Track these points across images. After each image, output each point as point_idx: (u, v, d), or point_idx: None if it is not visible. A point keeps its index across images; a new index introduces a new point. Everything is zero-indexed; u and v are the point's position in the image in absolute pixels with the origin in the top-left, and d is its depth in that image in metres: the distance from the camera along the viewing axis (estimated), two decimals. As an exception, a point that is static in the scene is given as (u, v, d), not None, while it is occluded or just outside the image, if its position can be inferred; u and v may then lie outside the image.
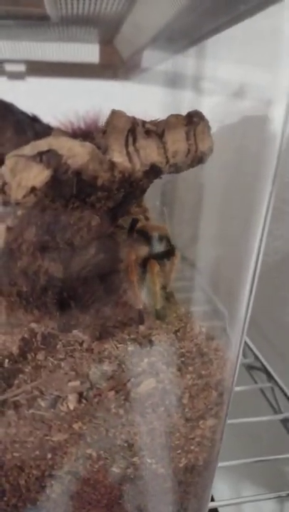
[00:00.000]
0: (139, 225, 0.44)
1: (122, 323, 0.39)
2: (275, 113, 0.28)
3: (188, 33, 0.54)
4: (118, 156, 0.31)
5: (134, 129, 0.31)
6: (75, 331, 0.38)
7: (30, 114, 0.62)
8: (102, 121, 0.66)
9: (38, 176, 0.27)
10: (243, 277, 0.28)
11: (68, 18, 0.52)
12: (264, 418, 0.54)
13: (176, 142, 0.31)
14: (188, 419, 0.29)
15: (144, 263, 0.40)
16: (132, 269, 0.36)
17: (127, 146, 0.31)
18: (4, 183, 0.27)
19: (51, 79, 0.66)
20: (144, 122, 0.32)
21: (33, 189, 0.27)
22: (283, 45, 0.25)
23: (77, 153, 0.27)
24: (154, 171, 0.32)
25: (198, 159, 0.32)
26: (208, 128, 0.32)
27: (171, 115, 0.33)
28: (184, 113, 0.54)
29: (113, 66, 0.69)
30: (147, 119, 0.34)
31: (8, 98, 0.54)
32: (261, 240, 0.28)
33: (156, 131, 0.32)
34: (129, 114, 0.37)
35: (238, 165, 0.38)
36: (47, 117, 0.62)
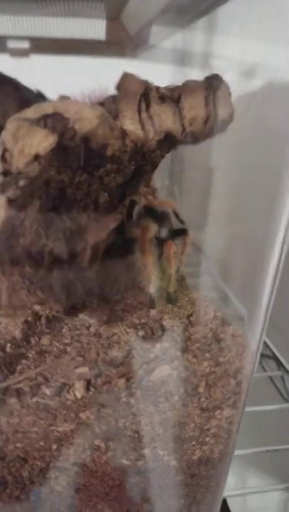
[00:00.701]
0: (145, 202, 0.41)
1: (132, 307, 0.37)
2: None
3: (196, 3, 0.51)
4: (130, 123, 0.28)
5: (148, 94, 0.29)
6: (81, 315, 0.36)
7: (34, 90, 0.59)
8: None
9: (42, 141, 0.24)
10: (266, 268, 0.26)
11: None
12: (273, 407, 0.52)
13: (194, 108, 0.28)
14: (203, 409, 0.27)
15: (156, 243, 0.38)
16: (147, 249, 0.33)
17: (139, 112, 0.28)
18: (5, 150, 0.24)
19: (56, 56, 0.63)
20: (158, 87, 0.29)
21: (36, 157, 0.24)
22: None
23: (85, 117, 0.24)
24: (168, 141, 0.29)
25: (217, 128, 0.29)
26: (229, 93, 0.29)
27: (188, 80, 0.30)
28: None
29: (120, 43, 0.66)
30: None
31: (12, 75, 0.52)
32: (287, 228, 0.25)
33: (172, 96, 0.29)
34: None
35: (259, 141, 0.36)
36: (52, 95, 0.59)
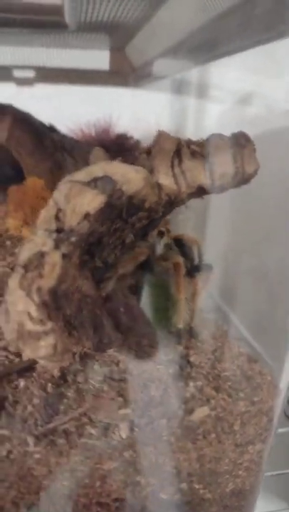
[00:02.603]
0: (173, 235, 0.44)
1: (156, 342, 0.39)
2: None
3: (210, 47, 0.54)
4: (164, 178, 0.30)
5: (180, 150, 0.31)
6: (110, 351, 0.37)
7: (47, 124, 0.61)
8: (113, 129, 0.66)
9: (92, 201, 0.26)
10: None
11: (85, 26, 0.51)
12: (281, 430, 0.54)
13: (224, 164, 0.30)
14: (237, 445, 0.29)
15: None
16: (181, 285, 0.36)
17: (173, 167, 0.31)
18: (59, 210, 0.26)
19: (61, 85, 0.65)
20: (189, 143, 0.32)
21: (86, 215, 0.26)
22: None
23: (131, 179, 0.26)
24: (199, 193, 0.32)
25: (243, 181, 0.32)
26: (254, 150, 0.31)
27: (215, 135, 0.33)
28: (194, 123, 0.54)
29: (123, 73, 0.69)
30: (157, 127, 0.33)
31: (18, 104, 0.54)
32: None
33: (202, 152, 0.31)
34: (138, 120, 0.36)
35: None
36: (58, 124, 0.61)
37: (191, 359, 0.35)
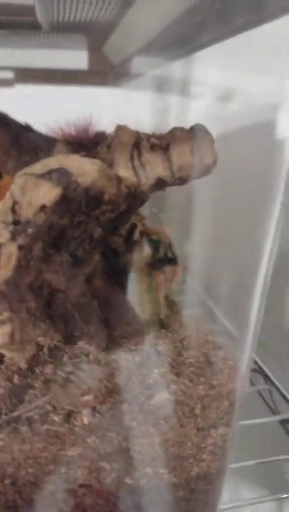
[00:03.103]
0: (142, 228, 0.44)
1: (128, 333, 0.39)
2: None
3: (183, 42, 0.55)
4: (124, 171, 0.31)
5: (139, 143, 0.32)
6: (80, 343, 0.38)
7: (23, 124, 0.61)
8: (93, 128, 0.67)
9: (47, 194, 0.27)
10: (253, 286, 0.29)
11: (59, 26, 0.52)
12: (262, 420, 0.55)
13: (182, 156, 0.31)
14: (200, 429, 0.30)
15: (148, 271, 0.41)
16: (142, 277, 0.36)
17: (132, 160, 0.32)
18: (15, 202, 0.27)
19: (41, 86, 0.66)
20: (148, 136, 0.33)
21: (42, 207, 0.27)
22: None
23: (87, 171, 0.27)
24: (159, 185, 0.33)
25: (202, 172, 0.32)
26: (212, 141, 0.32)
27: (175, 128, 0.33)
28: (175, 119, 0.55)
29: (102, 72, 0.69)
30: (138, 126, 0.34)
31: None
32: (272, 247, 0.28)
33: (161, 145, 0.32)
34: (119, 120, 0.37)
35: (244, 169, 0.39)
36: (38, 124, 0.62)
37: (160, 348, 0.36)
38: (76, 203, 0.29)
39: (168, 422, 0.29)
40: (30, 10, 0.41)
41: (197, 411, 0.29)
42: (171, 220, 0.57)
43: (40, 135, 0.59)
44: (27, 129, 0.59)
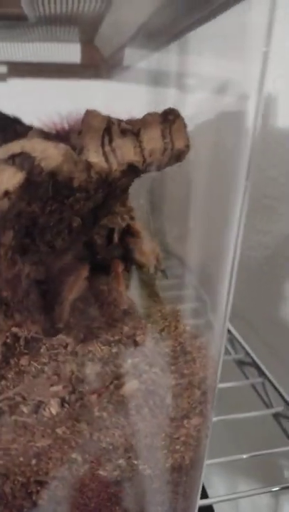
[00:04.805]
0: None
1: (107, 324, 0.39)
2: (249, 107, 0.28)
3: (167, 29, 0.54)
4: (94, 156, 0.31)
5: (110, 128, 0.31)
6: (59, 335, 0.37)
7: (11, 116, 0.61)
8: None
9: (10, 179, 0.26)
10: (223, 272, 0.28)
11: (46, 18, 0.51)
12: (256, 413, 0.54)
13: (152, 141, 0.31)
14: (172, 419, 0.29)
15: None
16: (120, 279, 0.36)
17: (103, 145, 0.31)
18: (-24, 188, 0.26)
19: (33, 80, 0.65)
20: (119, 121, 0.32)
21: (6, 193, 0.26)
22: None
23: (50, 155, 0.26)
24: (131, 171, 0.32)
25: (175, 157, 0.32)
26: (184, 125, 0.31)
27: (148, 113, 0.33)
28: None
29: (95, 65, 0.68)
30: (128, 117, 0.33)
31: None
32: (238, 234, 0.27)
33: (132, 130, 0.31)
34: (113, 113, 0.37)
35: (216, 161, 0.38)
36: (29, 118, 0.61)
37: (137, 339, 0.35)
38: (43, 188, 0.28)
39: (139, 412, 0.28)
40: (15, 1, 0.40)
41: (168, 401, 0.29)
42: (166, 215, 0.57)
43: (29, 128, 0.59)
44: (15, 121, 0.59)
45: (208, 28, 0.45)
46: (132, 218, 0.60)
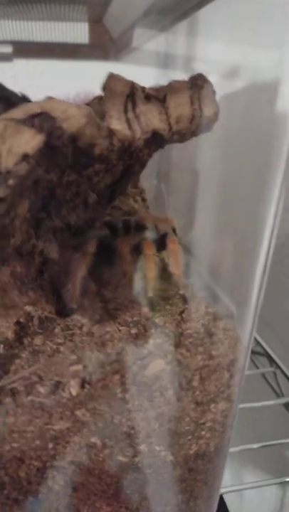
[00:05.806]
0: (139, 219, 0.42)
1: (124, 306, 0.37)
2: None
3: (178, 5, 0.52)
4: (117, 123, 0.28)
5: (134, 94, 0.29)
6: (73, 315, 0.36)
7: (19, 93, 0.59)
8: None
9: (30, 141, 0.24)
10: (253, 263, 0.26)
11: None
12: (267, 403, 0.53)
13: (180, 106, 0.28)
14: (198, 403, 0.27)
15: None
16: (126, 261, 0.34)
17: (126, 112, 0.29)
18: (-7, 150, 0.24)
19: (40, 60, 0.63)
20: (143, 87, 0.30)
21: (25, 156, 0.24)
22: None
23: (72, 116, 0.24)
24: (156, 140, 0.30)
25: (203, 126, 0.30)
26: (214, 91, 0.29)
27: (173, 80, 0.31)
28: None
29: (103, 46, 0.66)
30: None
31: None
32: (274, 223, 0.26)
33: (158, 96, 0.29)
34: None
35: (246, 143, 0.36)
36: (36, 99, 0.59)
37: (157, 320, 0.33)
38: (62, 154, 0.26)
39: (163, 394, 0.27)
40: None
41: (195, 383, 0.27)
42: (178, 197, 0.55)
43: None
44: (23, 99, 0.56)
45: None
46: (143, 200, 0.58)
